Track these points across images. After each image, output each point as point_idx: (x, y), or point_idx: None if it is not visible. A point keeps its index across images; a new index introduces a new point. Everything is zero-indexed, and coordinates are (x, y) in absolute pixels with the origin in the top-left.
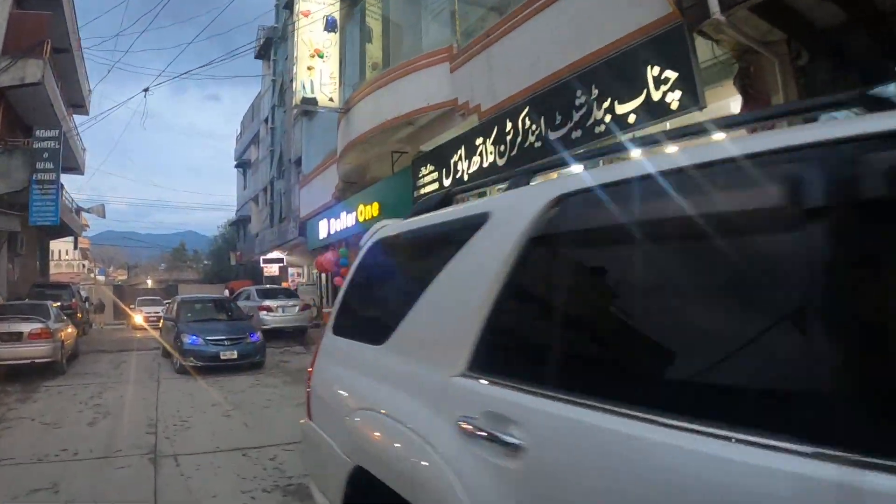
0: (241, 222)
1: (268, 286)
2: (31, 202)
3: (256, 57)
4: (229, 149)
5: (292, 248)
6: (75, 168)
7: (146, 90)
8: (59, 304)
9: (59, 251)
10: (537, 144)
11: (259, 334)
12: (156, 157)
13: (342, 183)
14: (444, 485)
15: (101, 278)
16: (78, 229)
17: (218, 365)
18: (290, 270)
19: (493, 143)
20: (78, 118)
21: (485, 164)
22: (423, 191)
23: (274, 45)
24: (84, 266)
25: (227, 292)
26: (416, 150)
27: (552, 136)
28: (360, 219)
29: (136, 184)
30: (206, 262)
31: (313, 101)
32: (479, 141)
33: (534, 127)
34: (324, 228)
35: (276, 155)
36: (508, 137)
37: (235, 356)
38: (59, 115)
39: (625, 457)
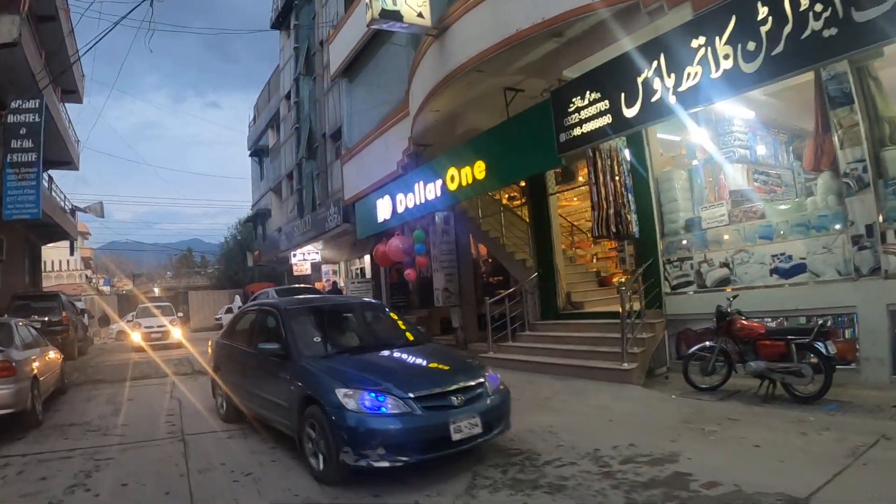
0: (258, 218)
1: (291, 285)
2: (4, 190)
3: (273, 27)
4: (232, 155)
5: (331, 241)
6: (69, 162)
7: None
8: (45, 318)
9: (59, 261)
10: (830, 32)
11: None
12: (157, 168)
13: (414, 146)
14: None
15: (107, 288)
16: (73, 232)
17: (443, 455)
18: (325, 268)
19: (730, 42)
20: (71, 107)
21: (714, 74)
22: (576, 131)
23: (295, 9)
24: (86, 276)
25: (238, 299)
26: (553, 82)
27: (861, 16)
28: (451, 187)
29: (139, 194)
30: (216, 266)
31: (395, 15)
32: (696, 42)
33: (818, 7)
34: (384, 208)
35: (305, 132)
36: (764, 29)
37: (479, 429)
38: (40, 84)
39: None
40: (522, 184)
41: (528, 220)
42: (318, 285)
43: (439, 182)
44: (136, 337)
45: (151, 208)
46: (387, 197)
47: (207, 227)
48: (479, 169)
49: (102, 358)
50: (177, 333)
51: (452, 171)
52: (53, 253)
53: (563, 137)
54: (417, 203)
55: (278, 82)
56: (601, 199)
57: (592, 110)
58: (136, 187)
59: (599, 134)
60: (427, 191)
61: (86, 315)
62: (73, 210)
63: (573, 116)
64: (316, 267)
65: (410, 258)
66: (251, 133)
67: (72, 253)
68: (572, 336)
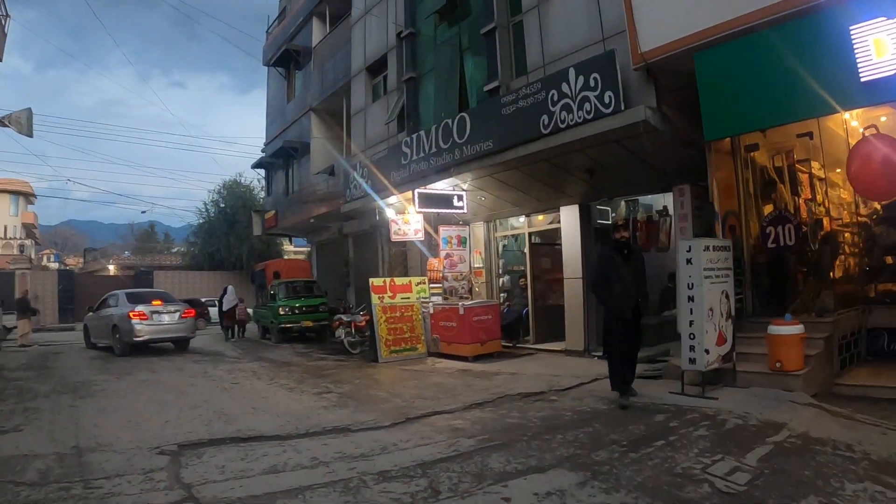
0: (282, 157)
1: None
2: None
3: None
4: (194, 139)
5: (510, 167)
6: None
7: None
8: None
9: None
10: None
11: None
12: (117, 147)
13: None
14: None
15: (55, 265)
16: None
17: None
18: (444, 233)
19: None
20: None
21: None
22: None
23: None
24: (23, 247)
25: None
26: None
27: None
28: None
29: (98, 172)
30: (193, 242)
31: None
32: None
33: None
34: None
35: None
36: None
37: None
38: None
39: None
40: None
41: None
42: (432, 265)
43: None
44: None
45: (111, 186)
46: None
47: (167, 211)
48: None
49: None
50: None
51: None
52: None
53: None
54: None
55: None
56: None
57: None
58: (97, 165)
59: None
60: None
61: None
62: None
63: None
64: (434, 229)
65: None
66: (276, 37)
67: None
68: None
